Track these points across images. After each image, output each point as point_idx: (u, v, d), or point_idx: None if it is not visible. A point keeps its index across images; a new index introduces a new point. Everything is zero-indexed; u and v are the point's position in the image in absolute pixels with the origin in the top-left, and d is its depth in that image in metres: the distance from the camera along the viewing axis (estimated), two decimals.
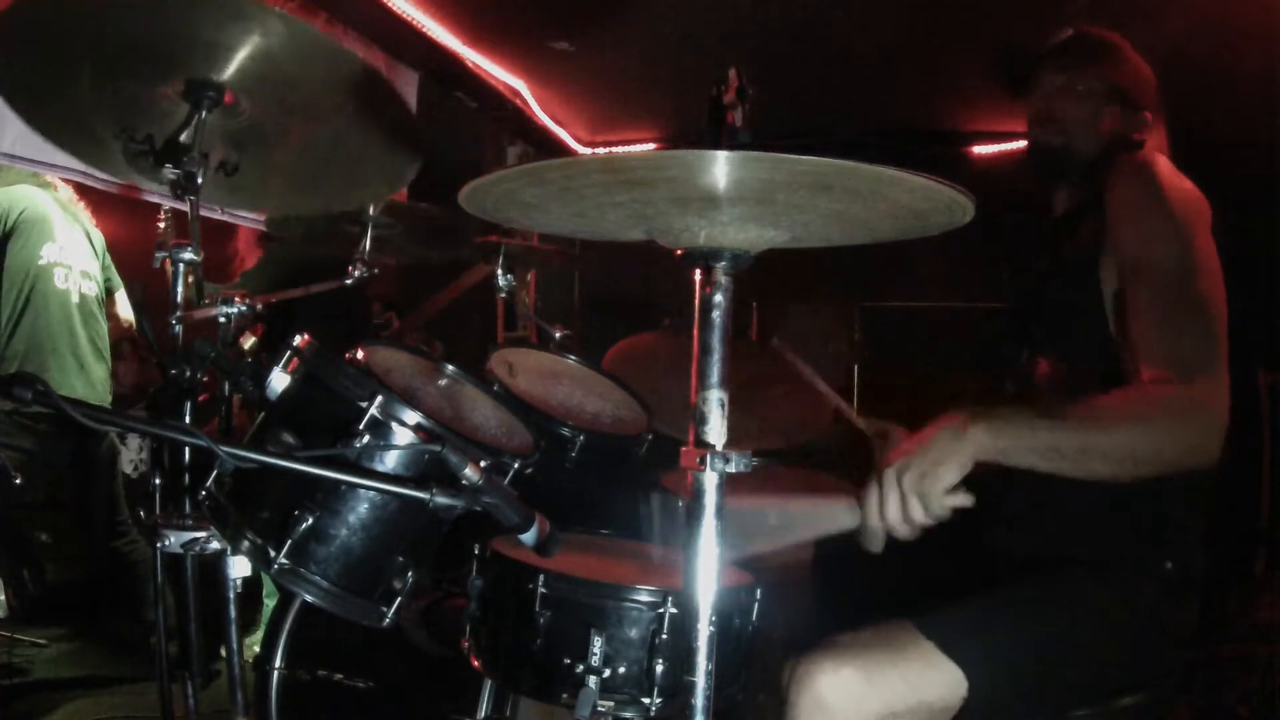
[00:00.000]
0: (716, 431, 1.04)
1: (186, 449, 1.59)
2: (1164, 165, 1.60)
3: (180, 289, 1.63)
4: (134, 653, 3.35)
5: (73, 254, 3.31)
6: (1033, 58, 1.86)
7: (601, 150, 5.38)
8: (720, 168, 0.87)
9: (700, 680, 1.03)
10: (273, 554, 1.31)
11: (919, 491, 1.29)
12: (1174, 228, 1.50)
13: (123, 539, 3.52)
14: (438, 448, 1.19)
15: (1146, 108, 1.79)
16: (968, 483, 1.31)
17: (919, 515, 1.30)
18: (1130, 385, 1.42)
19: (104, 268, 3.52)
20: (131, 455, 3.92)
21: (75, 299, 3.30)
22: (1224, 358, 1.40)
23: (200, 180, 1.58)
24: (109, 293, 3.56)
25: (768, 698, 1.53)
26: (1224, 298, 1.46)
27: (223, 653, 1.61)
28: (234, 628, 1.56)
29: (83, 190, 3.38)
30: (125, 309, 3.69)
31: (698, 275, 1.06)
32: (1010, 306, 1.84)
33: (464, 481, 1.18)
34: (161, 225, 2.84)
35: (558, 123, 5.12)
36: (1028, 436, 1.33)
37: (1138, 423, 1.34)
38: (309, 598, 1.34)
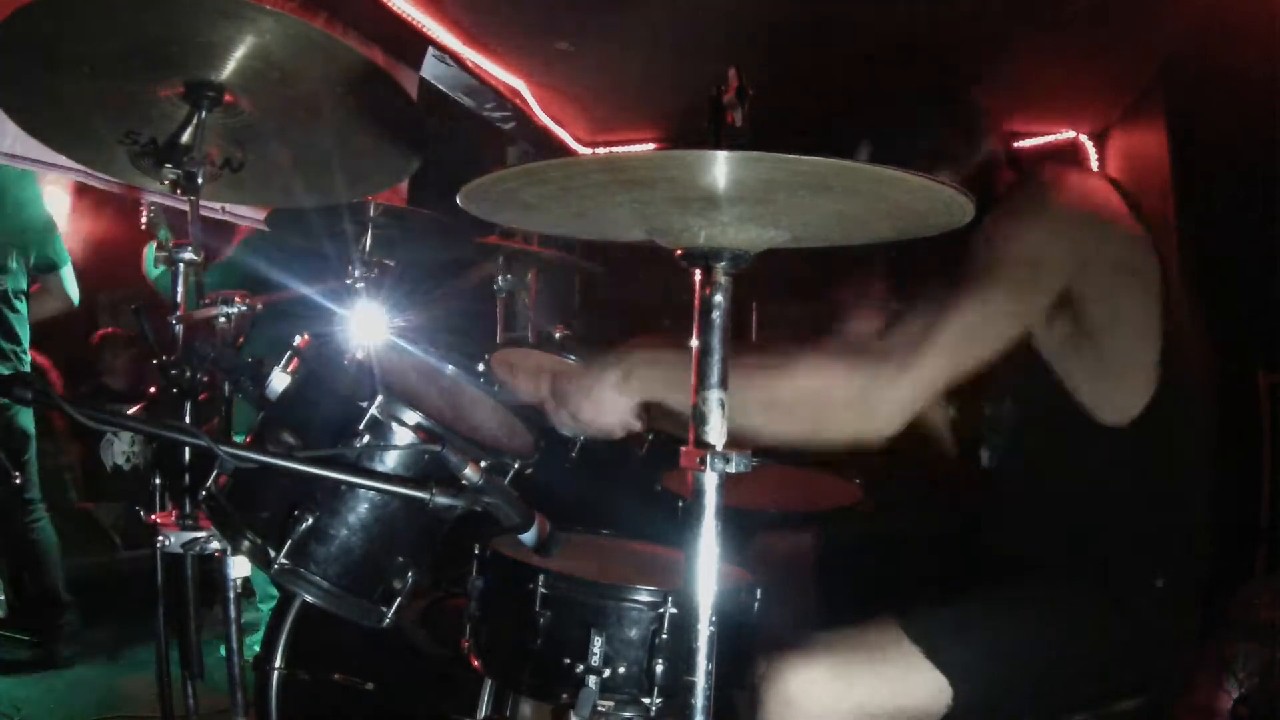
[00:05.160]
0: (716, 431, 1.04)
1: (186, 449, 1.59)
2: (1038, 180, 1.51)
3: (180, 289, 1.63)
4: (71, 641, 3.33)
5: None
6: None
7: (601, 150, 5.38)
8: (720, 168, 0.87)
9: (700, 680, 1.03)
10: (273, 554, 1.31)
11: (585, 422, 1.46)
12: (993, 235, 1.42)
13: (29, 517, 3.36)
14: (438, 448, 1.19)
15: (972, 129, 1.67)
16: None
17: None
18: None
19: (44, 243, 3.34)
20: (124, 447, 3.87)
21: None
22: (938, 364, 1.34)
23: (200, 180, 1.59)
24: (52, 267, 3.39)
25: (740, 694, 1.51)
26: (1003, 329, 1.39)
27: (222, 652, 1.62)
28: (234, 628, 1.56)
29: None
30: (71, 286, 3.49)
31: (698, 275, 1.06)
32: None
33: (464, 481, 1.19)
34: (148, 216, 2.63)
35: (558, 123, 5.11)
36: (680, 394, 1.30)
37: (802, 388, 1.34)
38: (309, 598, 1.34)
